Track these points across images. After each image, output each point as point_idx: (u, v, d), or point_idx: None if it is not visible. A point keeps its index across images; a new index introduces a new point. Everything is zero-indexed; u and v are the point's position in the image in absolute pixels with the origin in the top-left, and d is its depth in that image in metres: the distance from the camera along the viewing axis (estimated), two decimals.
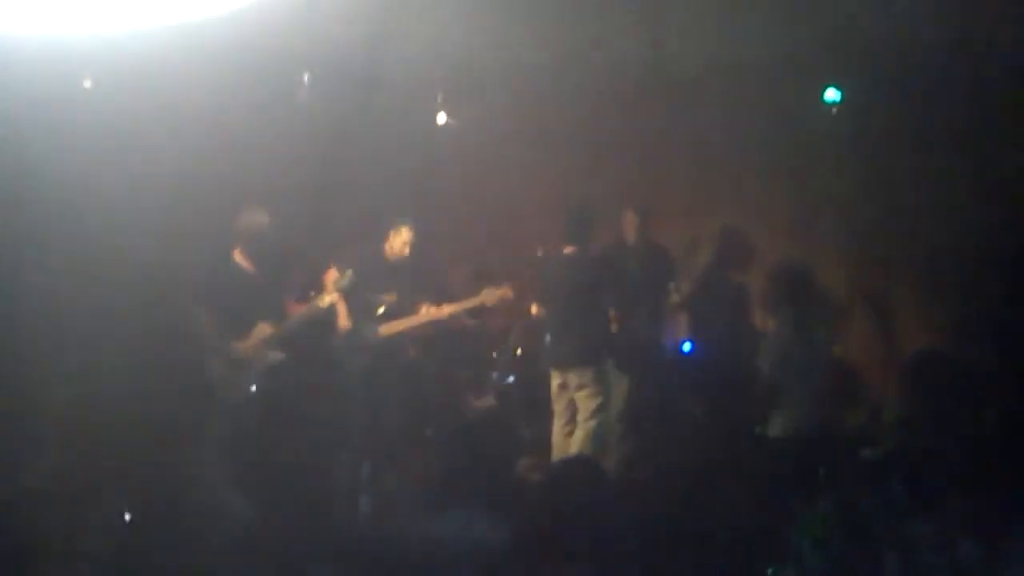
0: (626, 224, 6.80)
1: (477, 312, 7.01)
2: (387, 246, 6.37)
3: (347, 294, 6.08)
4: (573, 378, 6.29)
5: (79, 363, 5.43)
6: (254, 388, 5.77)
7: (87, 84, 5.29)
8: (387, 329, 6.35)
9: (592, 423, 6.23)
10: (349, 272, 5.96)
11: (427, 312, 6.44)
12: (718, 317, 6.72)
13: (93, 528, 4.37)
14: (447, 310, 6.54)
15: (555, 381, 6.43)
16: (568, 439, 6.39)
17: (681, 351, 6.97)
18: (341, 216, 7.57)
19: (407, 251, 6.35)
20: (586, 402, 6.25)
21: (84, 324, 5.60)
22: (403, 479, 5.84)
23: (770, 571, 3.43)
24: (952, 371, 4.01)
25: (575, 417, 6.36)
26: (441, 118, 7.33)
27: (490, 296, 6.54)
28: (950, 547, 3.17)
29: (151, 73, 5.75)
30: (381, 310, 6.33)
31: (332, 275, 6.26)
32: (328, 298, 5.92)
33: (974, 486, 3.27)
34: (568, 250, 6.29)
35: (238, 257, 5.83)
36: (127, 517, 4.42)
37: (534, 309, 6.65)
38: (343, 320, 6.22)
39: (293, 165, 7.18)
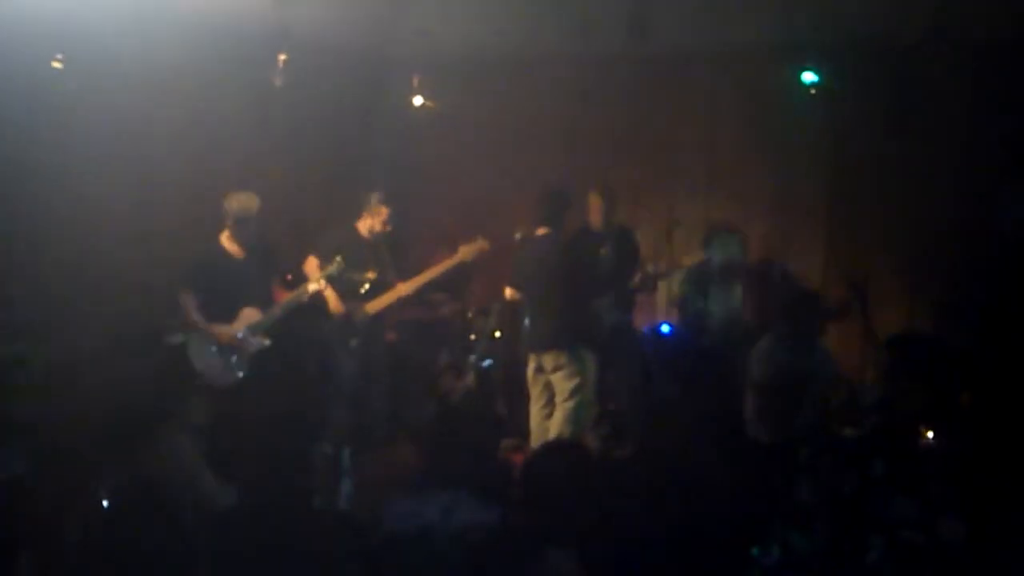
0: (593, 207, 6.80)
1: (469, 271, 6.95)
2: (364, 224, 6.34)
3: (334, 280, 6.06)
4: (549, 360, 6.30)
5: (64, 347, 5.39)
6: (240, 373, 5.74)
7: (58, 65, 5.18)
8: (372, 307, 6.34)
9: (569, 404, 6.24)
10: (339, 259, 5.93)
11: (411, 283, 6.41)
12: (699, 301, 6.76)
13: (74, 513, 4.33)
14: (430, 274, 6.51)
15: (531, 364, 6.45)
16: (547, 421, 6.41)
17: (659, 332, 6.99)
18: (318, 197, 7.54)
19: (385, 229, 6.32)
20: (562, 383, 6.26)
21: (69, 308, 5.55)
22: (386, 462, 5.82)
23: (755, 551, 3.46)
24: (931, 353, 4.06)
25: (553, 399, 6.38)
26: (417, 100, 7.24)
27: (467, 251, 6.49)
28: (932, 526, 3.22)
29: (125, 54, 5.67)
30: (365, 288, 6.30)
31: (313, 262, 6.23)
32: (314, 285, 5.90)
33: (955, 466, 3.31)
34: (541, 232, 6.29)
35: (225, 241, 5.78)
36: (105, 503, 4.38)
37: (511, 292, 6.63)
38: (334, 306, 6.19)
39: (272, 146, 7.12)
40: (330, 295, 6.19)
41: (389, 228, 6.36)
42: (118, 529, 4.13)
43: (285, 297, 5.91)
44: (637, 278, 6.78)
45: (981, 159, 6.47)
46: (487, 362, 7.25)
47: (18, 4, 4.89)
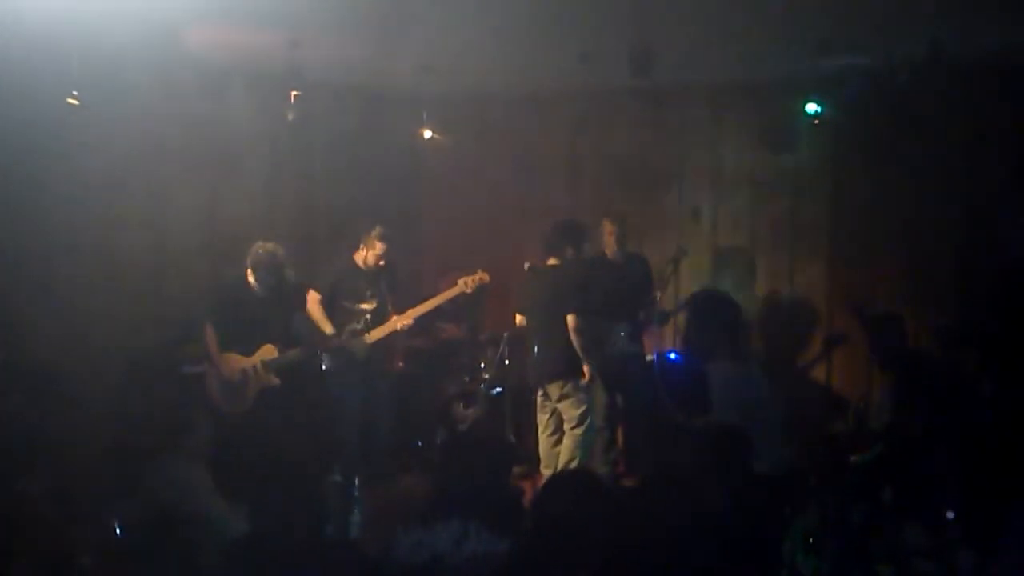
0: (606, 233, 6.85)
1: (469, 304, 6.99)
2: (360, 256, 6.38)
3: (324, 304, 6.17)
4: (554, 390, 6.33)
5: (84, 374, 5.47)
6: (250, 402, 5.83)
7: (74, 102, 5.29)
8: (371, 337, 6.34)
9: (577, 431, 6.28)
10: (367, 317, 6.15)
11: (409, 313, 6.43)
12: (704, 329, 6.77)
13: (87, 539, 4.37)
14: (428, 305, 6.53)
15: (539, 392, 6.48)
16: (555, 448, 6.44)
17: (667, 359, 7.00)
18: (328, 231, 7.61)
19: (378, 263, 6.35)
20: (570, 411, 6.30)
21: (89, 331, 5.63)
22: (396, 492, 5.85)
23: None
24: (937, 377, 4.08)
25: (561, 427, 6.41)
26: (427, 134, 7.33)
27: (468, 282, 6.50)
28: (941, 553, 3.22)
29: (131, 86, 5.79)
30: (364, 319, 6.34)
31: (313, 296, 6.29)
32: (332, 343, 6.12)
33: (965, 490, 3.32)
34: (552, 263, 6.34)
35: (250, 277, 5.91)
36: (118, 529, 4.42)
37: (520, 319, 6.67)
38: (323, 327, 6.26)
39: (284, 180, 7.21)
40: (327, 329, 6.26)
41: (382, 263, 6.36)
42: (130, 556, 4.17)
43: (305, 350, 6.05)
44: (651, 309, 6.81)
45: (983, 184, 6.52)
46: (497, 390, 7.28)
47: (35, 43, 5.00)
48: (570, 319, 6.15)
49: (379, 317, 6.37)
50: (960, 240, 6.56)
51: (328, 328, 6.22)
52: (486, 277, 6.54)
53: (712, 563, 3.41)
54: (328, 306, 6.30)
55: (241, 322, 5.87)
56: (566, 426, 6.35)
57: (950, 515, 3.25)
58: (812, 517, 3.56)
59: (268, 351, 5.94)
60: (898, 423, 4.22)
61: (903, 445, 3.84)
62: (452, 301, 6.61)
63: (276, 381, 5.91)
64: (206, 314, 5.87)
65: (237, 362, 5.87)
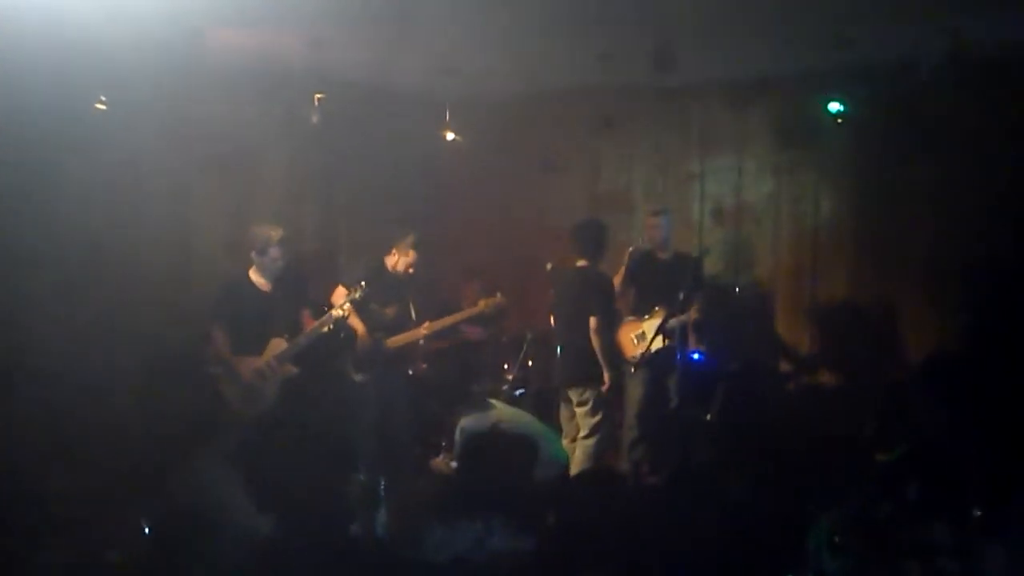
0: (650, 226, 6.80)
1: (487, 322, 7.05)
2: (391, 260, 6.40)
3: (358, 307, 6.12)
4: (574, 395, 6.32)
5: (97, 381, 5.50)
6: (270, 403, 5.81)
7: (102, 107, 5.36)
8: (393, 342, 6.36)
9: (589, 441, 6.23)
10: (363, 284, 5.98)
11: (428, 325, 6.45)
12: (727, 327, 6.75)
13: (108, 540, 4.40)
14: (448, 320, 6.57)
15: (561, 395, 6.47)
16: (577, 454, 6.42)
17: (690, 359, 6.97)
18: (349, 231, 7.65)
19: (412, 265, 6.37)
20: (585, 419, 6.27)
21: (102, 342, 5.67)
22: (419, 491, 5.86)
23: None
24: (966, 374, 4.06)
25: (577, 434, 6.39)
26: (449, 135, 7.36)
27: (487, 304, 6.55)
28: (967, 550, 3.20)
29: (157, 90, 5.83)
30: (386, 321, 6.36)
31: (341, 291, 6.30)
32: (337, 311, 5.93)
33: (992, 489, 3.30)
34: (579, 264, 6.31)
35: (252, 274, 5.88)
36: (144, 529, 4.45)
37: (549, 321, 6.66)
38: (361, 335, 6.24)
39: (308, 182, 7.24)
40: (357, 324, 6.24)
41: (412, 271, 6.39)
42: (158, 556, 4.21)
43: (311, 325, 5.97)
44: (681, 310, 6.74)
45: (1003, 180, 6.46)
46: (520, 391, 7.28)
47: (63, 49, 5.07)
48: (592, 321, 6.14)
49: (401, 322, 6.39)
50: (985, 236, 6.50)
51: (360, 328, 6.24)
52: (504, 301, 6.61)
53: (736, 563, 3.41)
54: (356, 306, 6.33)
55: (249, 321, 5.78)
56: (580, 434, 6.31)
57: (976, 512, 3.24)
58: (837, 515, 3.55)
59: (278, 344, 5.87)
60: (924, 420, 4.20)
61: (929, 443, 3.83)
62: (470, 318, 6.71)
63: (294, 370, 5.84)
64: (213, 318, 5.83)
65: (251, 363, 5.82)
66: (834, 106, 6.63)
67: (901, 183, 6.88)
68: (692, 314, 6.51)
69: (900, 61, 6.15)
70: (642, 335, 6.54)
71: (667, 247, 6.76)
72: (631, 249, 6.65)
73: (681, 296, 6.65)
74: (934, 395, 4.18)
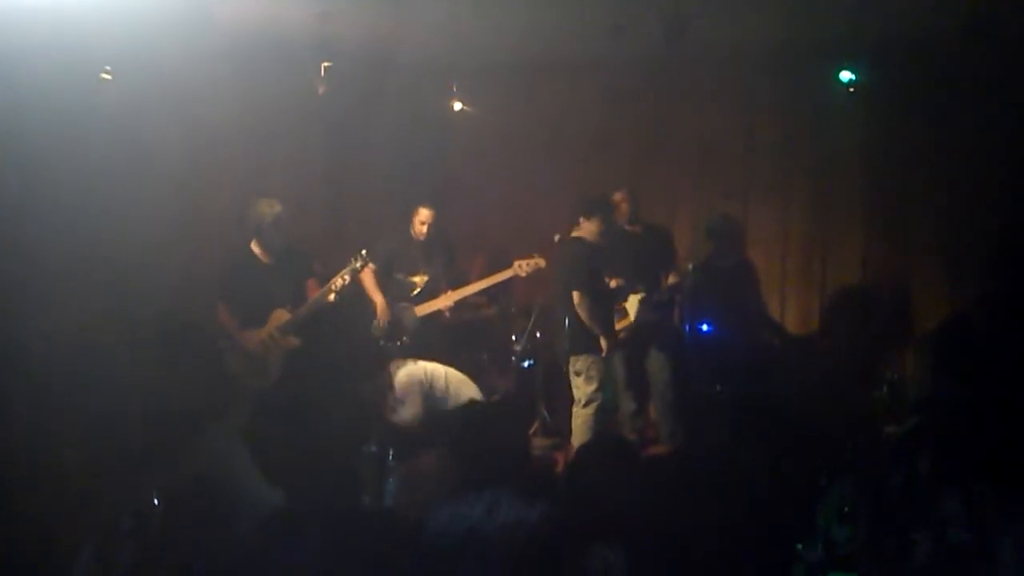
0: (620, 205, 6.82)
1: (499, 294, 7.05)
2: (415, 227, 6.43)
3: (378, 275, 6.15)
4: (573, 363, 6.34)
5: (100, 357, 5.50)
6: (276, 374, 5.84)
7: (107, 77, 5.32)
8: (422, 310, 6.42)
9: (587, 410, 6.26)
10: (363, 252, 5.97)
11: (460, 290, 6.48)
12: (726, 299, 6.75)
13: (120, 517, 4.42)
14: (481, 284, 6.59)
15: (567, 366, 6.49)
16: (577, 423, 6.44)
17: (698, 331, 6.97)
18: (362, 204, 7.63)
19: (421, 230, 6.40)
20: (582, 387, 6.30)
21: (105, 319, 5.67)
22: (428, 462, 5.87)
23: (799, 547, 3.46)
24: (976, 344, 4.04)
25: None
26: (456, 105, 7.32)
27: (522, 266, 6.59)
28: (977, 523, 3.19)
29: (162, 62, 5.79)
30: (415, 291, 6.40)
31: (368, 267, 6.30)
32: (339, 281, 5.91)
33: (1001, 462, 3.28)
34: (577, 235, 6.32)
35: (254, 247, 5.88)
36: (156, 503, 4.47)
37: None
38: (375, 297, 6.26)
39: (315, 152, 7.21)
40: (376, 294, 6.26)
41: (426, 229, 6.42)
42: (170, 529, 4.23)
43: (314, 295, 5.97)
44: (668, 281, 6.78)
45: (1020, 155, 6.40)
46: (528, 362, 7.29)
47: (66, 20, 5.03)
48: (575, 295, 6.14)
49: (431, 291, 6.42)
50: (1001, 211, 6.45)
51: (379, 298, 6.26)
52: (542, 262, 6.56)
53: (744, 532, 3.41)
54: (382, 277, 6.35)
55: (251, 293, 5.81)
56: (577, 405, 6.34)
57: (987, 485, 3.23)
58: (847, 487, 3.54)
59: (280, 316, 5.87)
60: (935, 393, 4.19)
61: (940, 415, 3.82)
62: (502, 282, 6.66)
63: (296, 343, 5.85)
64: (218, 292, 5.84)
65: (254, 335, 5.84)
66: (846, 75, 6.56)
67: (914, 155, 6.83)
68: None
69: (917, 31, 6.08)
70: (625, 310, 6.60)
71: (634, 220, 6.78)
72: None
73: (690, 267, 6.67)
74: (946, 366, 4.17)
